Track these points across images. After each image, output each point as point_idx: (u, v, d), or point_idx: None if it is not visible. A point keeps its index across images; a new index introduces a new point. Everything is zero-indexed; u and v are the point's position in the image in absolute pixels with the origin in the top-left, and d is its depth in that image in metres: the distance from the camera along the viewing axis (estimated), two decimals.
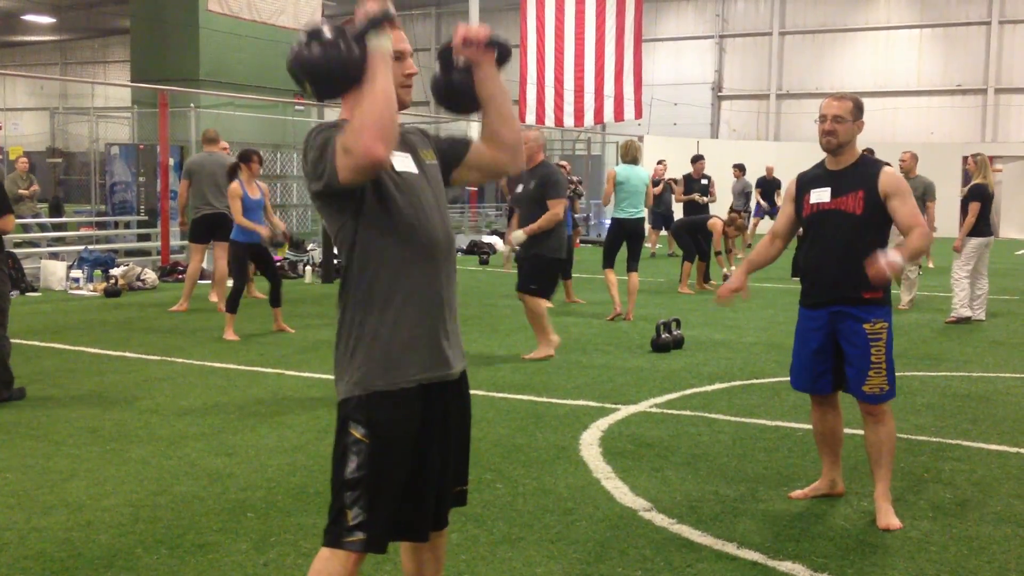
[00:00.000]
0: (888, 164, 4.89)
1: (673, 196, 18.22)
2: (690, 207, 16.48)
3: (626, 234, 11.20)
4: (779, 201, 18.83)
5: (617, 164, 11.53)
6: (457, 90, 3.07)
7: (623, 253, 11.25)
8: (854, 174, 4.76)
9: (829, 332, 4.77)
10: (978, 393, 7.58)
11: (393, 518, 2.87)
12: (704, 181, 16.96)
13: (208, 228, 11.78)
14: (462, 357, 3.05)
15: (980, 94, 31.39)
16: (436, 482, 2.98)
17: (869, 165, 4.80)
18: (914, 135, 31.24)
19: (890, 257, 4.42)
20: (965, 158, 15.66)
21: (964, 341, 10.02)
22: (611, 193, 11.17)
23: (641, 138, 27.54)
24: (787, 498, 5.03)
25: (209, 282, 13.10)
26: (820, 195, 4.79)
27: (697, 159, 17.38)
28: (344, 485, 2.85)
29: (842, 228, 4.70)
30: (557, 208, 8.65)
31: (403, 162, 2.93)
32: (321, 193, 2.82)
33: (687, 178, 17.07)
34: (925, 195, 11.87)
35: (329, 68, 2.72)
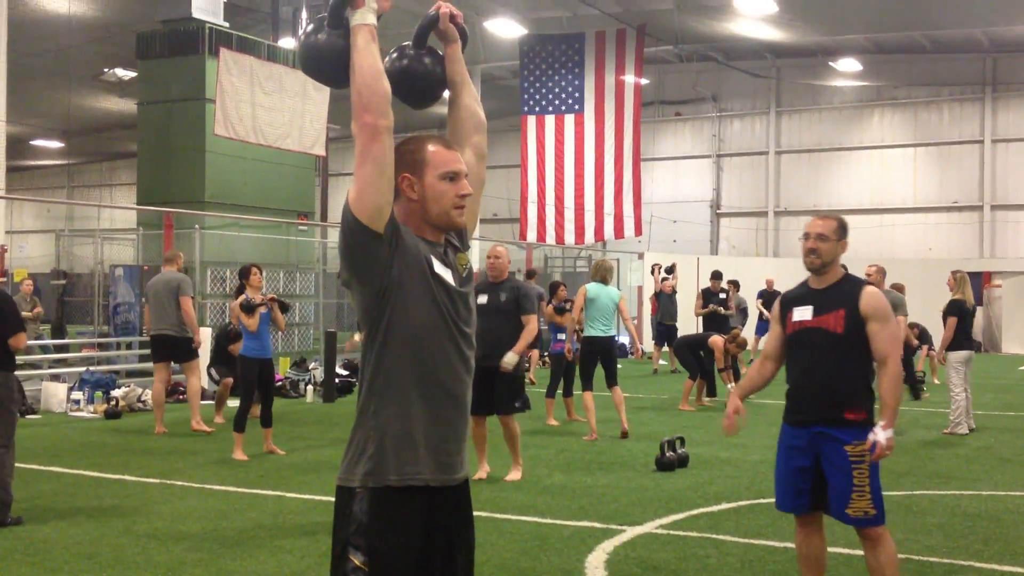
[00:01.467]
0: (871, 284, 4.91)
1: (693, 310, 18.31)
2: (710, 320, 16.68)
3: (599, 352, 11.28)
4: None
5: (611, 281, 11.68)
6: (426, 76, 3.08)
7: (600, 372, 11.26)
8: (836, 293, 4.78)
9: (812, 453, 4.72)
10: (989, 512, 7.46)
11: None
12: (722, 295, 17.22)
13: (158, 348, 11.80)
14: (465, 463, 2.98)
15: (976, 211, 31.72)
16: None
17: (851, 284, 4.83)
18: (912, 251, 31.48)
19: (880, 436, 4.51)
20: (988, 274, 15.85)
21: (972, 459, 9.92)
22: (580, 308, 11.33)
23: (641, 255, 27.78)
24: None
25: (212, 402, 13.05)
26: (803, 313, 4.80)
27: (716, 276, 17.64)
28: None
29: (824, 347, 4.70)
30: (533, 323, 8.68)
31: (442, 270, 2.93)
32: (351, 266, 2.81)
33: (705, 292, 17.33)
34: (895, 311, 11.74)
35: (320, 59, 2.80)
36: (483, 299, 8.64)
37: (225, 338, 12.90)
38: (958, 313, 11.45)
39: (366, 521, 2.79)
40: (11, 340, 7.10)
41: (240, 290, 10.20)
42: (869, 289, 4.76)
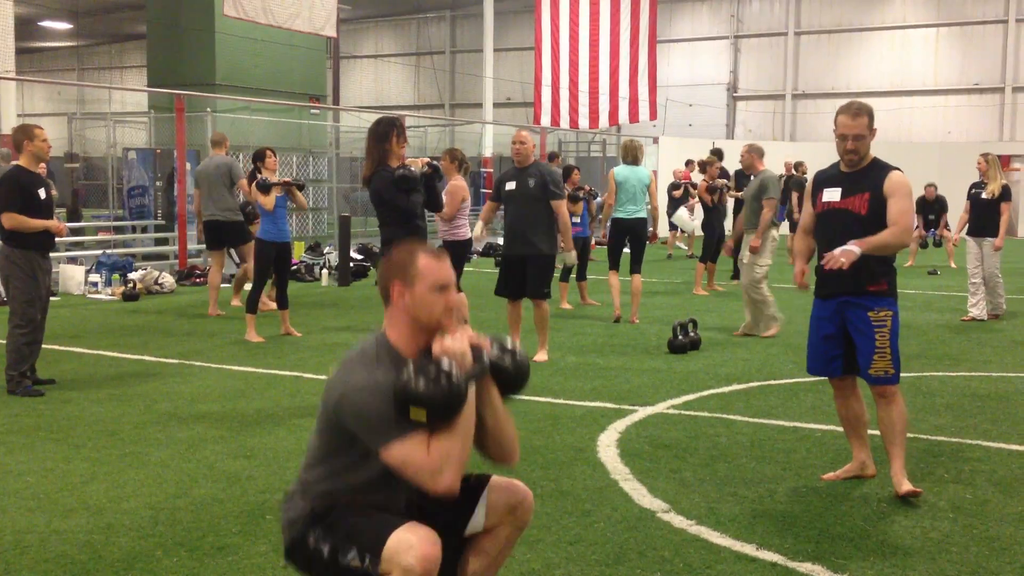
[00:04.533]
0: (898, 169, 5.13)
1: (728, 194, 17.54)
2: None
3: (626, 234, 11.07)
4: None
5: (642, 161, 11.42)
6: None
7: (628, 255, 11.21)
8: (864, 177, 5.12)
9: (839, 321, 5.14)
10: (998, 393, 7.53)
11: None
12: (724, 180, 16.57)
13: (212, 235, 11.81)
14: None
15: (997, 93, 31.20)
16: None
17: (879, 169, 5.13)
18: (930, 134, 31.10)
19: (846, 246, 4.87)
20: (979, 158, 15.43)
21: (983, 341, 9.97)
22: (614, 193, 11.05)
23: (656, 139, 27.52)
24: (806, 499, 5.02)
25: (228, 286, 13.15)
26: (831, 194, 5.17)
27: (718, 154, 16.95)
28: (332, 564, 2.95)
29: (848, 226, 5.05)
30: (563, 208, 8.67)
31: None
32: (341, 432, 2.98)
33: (739, 174, 16.27)
34: (762, 192, 10.44)
35: (448, 403, 2.86)
36: (511, 185, 8.67)
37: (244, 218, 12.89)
38: (1010, 197, 11.23)
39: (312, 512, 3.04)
40: (2, 217, 7.26)
41: (254, 173, 10.18)
42: (894, 173, 5.08)
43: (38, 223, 7.36)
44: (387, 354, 2.99)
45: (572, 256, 9.27)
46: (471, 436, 2.94)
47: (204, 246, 13.08)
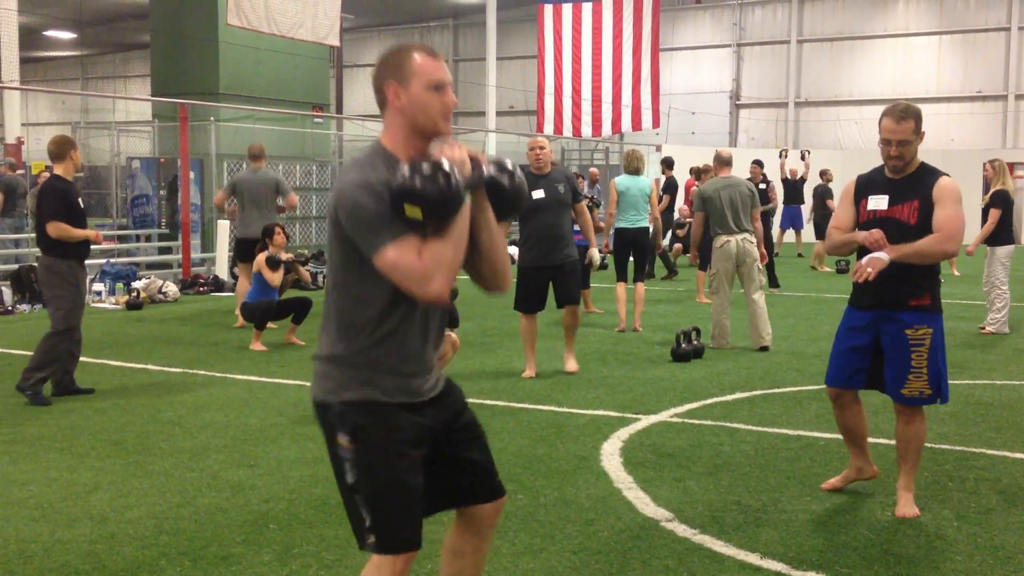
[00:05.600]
0: (946, 175, 4.87)
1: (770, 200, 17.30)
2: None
3: (630, 244, 11.09)
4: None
5: (643, 171, 11.44)
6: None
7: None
8: (912, 184, 4.82)
9: (873, 333, 4.88)
10: (1002, 401, 7.52)
11: (404, 517, 2.88)
12: (762, 186, 16.41)
13: (248, 249, 11.78)
14: (439, 379, 3.05)
15: (1000, 100, 31.20)
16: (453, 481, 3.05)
17: (928, 175, 4.84)
18: (934, 142, 31.02)
19: (874, 254, 4.62)
20: (985, 164, 15.38)
21: (987, 349, 9.96)
22: (614, 202, 11.04)
23: (659, 147, 27.53)
24: (810, 508, 5.01)
25: (232, 294, 13.17)
26: (878, 202, 4.85)
27: (756, 163, 16.91)
28: (348, 491, 2.90)
29: (895, 236, 4.72)
30: (585, 210, 8.53)
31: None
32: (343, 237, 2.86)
33: (785, 182, 16.24)
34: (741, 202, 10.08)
35: (445, 202, 2.77)
36: (539, 194, 8.22)
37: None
38: (1003, 204, 10.78)
39: (340, 403, 2.90)
40: (48, 227, 7.36)
41: (262, 248, 10.23)
42: (943, 179, 4.80)
43: (81, 232, 7.52)
44: (382, 159, 2.87)
45: (597, 256, 9.12)
46: (463, 246, 2.83)
47: (206, 252, 13.08)
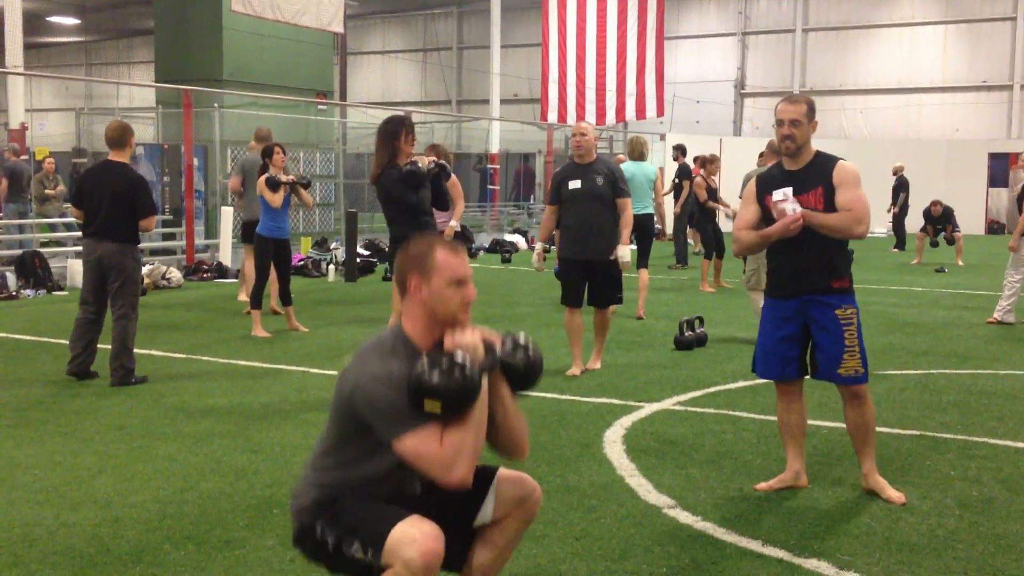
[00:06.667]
0: (842, 159, 5.00)
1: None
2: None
3: (635, 230, 10.96)
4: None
5: (647, 157, 11.43)
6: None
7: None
8: (812, 172, 4.95)
9: (801, 321, 4.95)
10: (1005, 391, 7.52)
11: (393, 521, 2.93)
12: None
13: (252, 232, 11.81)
14: None
15: (1006, 90, 31.11)
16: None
17: (826, 161, 4.98)
18: (939, 132, 31.01)
19: (789, 203, 4.76)
20: (1015, 155, 15.24)
21: (991, 340, 9.95)
22: None
23: (663, 136, 27.49)
24: (812, 495, 5.02)
25: (235, 280, 13.18)
26: (783, 194, 4.90)
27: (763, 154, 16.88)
28: (336, 553, 2.97)
29: (806, 227, 4.81)
30: (629, 208, 7.94)
31: None
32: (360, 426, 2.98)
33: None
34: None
35: (462, 395, 2.89)
36: (576, 184, 7.82)
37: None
38: None
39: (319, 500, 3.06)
40: (142, 222, 7.56)
41: (263, 169, 10.20)
42: (841, 162, 4.94)
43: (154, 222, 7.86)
44: (403, 346, 3.01)
45: (627, 254, 8.09)
46: (484, 429, 2.96)
47: (210, 238, 13.06)
